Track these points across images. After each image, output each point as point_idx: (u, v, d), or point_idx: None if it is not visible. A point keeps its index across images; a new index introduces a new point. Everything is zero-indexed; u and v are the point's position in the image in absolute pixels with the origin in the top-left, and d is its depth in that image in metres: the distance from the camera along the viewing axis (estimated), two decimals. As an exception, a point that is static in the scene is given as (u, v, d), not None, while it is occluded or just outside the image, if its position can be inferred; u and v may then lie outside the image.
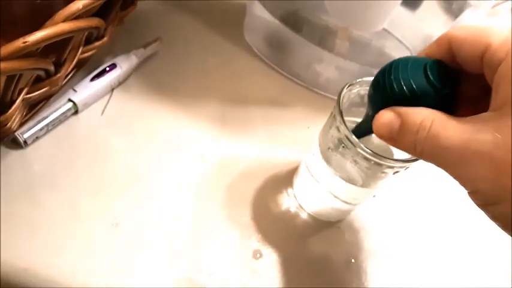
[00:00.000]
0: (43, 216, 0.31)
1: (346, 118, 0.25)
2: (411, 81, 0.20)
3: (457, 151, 0.18)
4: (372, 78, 0.28)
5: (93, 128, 0.36)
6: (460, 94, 0.21)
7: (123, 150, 0.35)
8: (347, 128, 0.25)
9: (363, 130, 0.25)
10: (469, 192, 0.19)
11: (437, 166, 0.20)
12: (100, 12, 0.31)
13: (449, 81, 0.20)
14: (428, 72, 0.20)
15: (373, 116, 0.22)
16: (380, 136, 0.22)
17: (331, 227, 0.34)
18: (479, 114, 0.19)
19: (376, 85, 0.22)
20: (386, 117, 0.21)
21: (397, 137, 0.21)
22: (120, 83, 0.39)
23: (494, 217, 0.19)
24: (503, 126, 0.17)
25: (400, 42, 0.46)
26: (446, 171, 0.19)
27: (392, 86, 0.21)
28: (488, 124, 0.18)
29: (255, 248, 0.32)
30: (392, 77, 0.21)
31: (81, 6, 0.26)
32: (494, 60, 0.19)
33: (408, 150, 0.21)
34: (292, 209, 0.34)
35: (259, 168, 0.36)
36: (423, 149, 0.20)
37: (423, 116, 0.20)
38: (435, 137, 0.19)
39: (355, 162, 0.26)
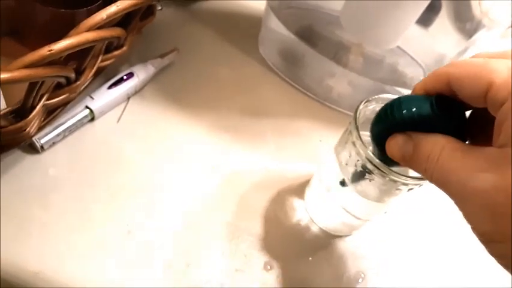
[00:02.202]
0: (56, 220, 0.31)
1: (362, 134, 0.26)
2: (420, 114, 0.21)
3: (459, 185, 0.18)
4: (386, 95, 0.28)
5: (108, 135, 0.36)
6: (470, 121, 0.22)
7: (137, 158, 0.35)
8: (363, 144, 0.25)
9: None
10: (471, 227, 0.19)
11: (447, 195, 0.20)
12: (121, 21, 0.31)
13: (456, 113, 0.21)
14: (435, 107, 0.21)
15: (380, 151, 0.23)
16: (393, 157, 0.22)
17: (341, 241, 0.34)
18: (484, 148, 0.18)
19: (383, 118, 0.23)
20: (400, 139, 0.22)
21: (409, 161, 0.21)
22: (137, 91, 0.39)
23: (493, 254, 0.19)
24: (503, 166, 0.17)
25: (413, 59, 0.47)
26: (454, 202, 0.19)
27: (403, 117, 0.21)
28: (490, 162, 0.17)
29: (265, 260, 0.32)
30: (402, 110, 0.21)
31: (105, 17, 0.26)
32: (498, 99, 0.18)
33: (421, 174, 0.21)
34: (303, 222, 0.34)
35: (270, 180, 0.36)
36: (432, 177, 0.20)
37: (434, 143, 0.20)
38: (442, 168, 0.19)
39: (371, 178, 0.26)
